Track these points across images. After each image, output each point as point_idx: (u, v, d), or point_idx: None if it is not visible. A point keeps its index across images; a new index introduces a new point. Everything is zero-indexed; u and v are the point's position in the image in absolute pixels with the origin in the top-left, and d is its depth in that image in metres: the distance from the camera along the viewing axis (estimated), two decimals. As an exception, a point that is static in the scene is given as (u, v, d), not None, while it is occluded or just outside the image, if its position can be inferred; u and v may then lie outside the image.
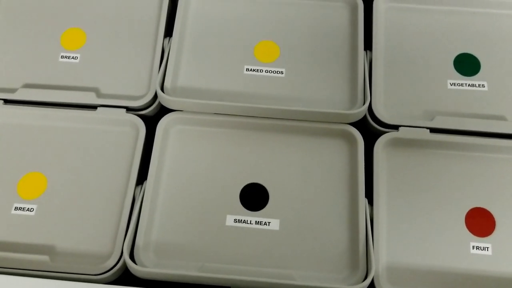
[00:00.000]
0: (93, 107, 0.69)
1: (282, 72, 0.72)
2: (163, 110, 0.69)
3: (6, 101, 0.70)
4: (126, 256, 0.58)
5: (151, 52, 0.73)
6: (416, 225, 0.64)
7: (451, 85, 0.72)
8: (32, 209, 0.64)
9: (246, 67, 0.72)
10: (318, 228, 0.64)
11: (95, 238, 0.62)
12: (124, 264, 0.59)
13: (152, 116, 0.71)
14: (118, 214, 0.63)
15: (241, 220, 0.64)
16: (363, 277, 0.61)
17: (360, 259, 0.61)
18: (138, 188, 0.64)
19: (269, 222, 0.64)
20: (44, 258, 0.60)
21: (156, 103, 0.70)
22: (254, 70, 0.72)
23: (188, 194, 0.65)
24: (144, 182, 0.64)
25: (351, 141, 0.68)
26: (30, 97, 0.69)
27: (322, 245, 0.63)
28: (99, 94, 0.70)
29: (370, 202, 0.65)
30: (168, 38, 0.73)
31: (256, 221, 0.64)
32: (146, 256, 0.61)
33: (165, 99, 0.68)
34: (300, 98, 0.71)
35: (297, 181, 0.67)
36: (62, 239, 0.62)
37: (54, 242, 0.62)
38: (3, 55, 0.73)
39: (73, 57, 0.73)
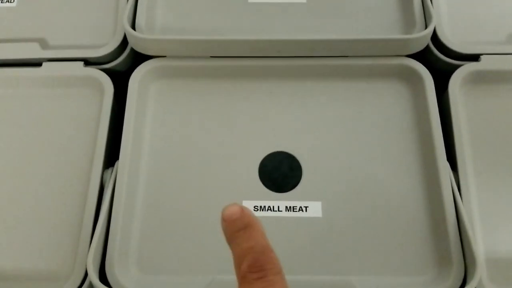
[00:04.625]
0: (37, 63, 0.52)
1: None
2: (137, 60, 0.52)
3: None
4: (92, 275, 0.40)
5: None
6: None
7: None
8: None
9: None
10: (380, 211, 0.44)
11: (45, 251, 0.44)
12: (91, 286, 0.41)
13: (123, 70, 0.53)
14: (79, 212, 0.45)
15: (264, 207, 0.45)
16: (461, 278, 0.41)
17: (453, 250, 0.41)
18: (108, 172, 0.47)
19: (306, 207, 0.45)
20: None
21: (127, 50, 0.53)
22: None
23: (182, 177, 0.46)
24: (116, 163, 0.46)
25: (414, 80, 0.49)
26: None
27: (389, 236, 0.43)
28: (44, 45, 0.53)
29: (453, 167, 0.45)
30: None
31: (286, 207, 0.45)
32: (125, 271, 0.42)
33: (139, 40, 0.49)
34: (330, 30, 0.52)
35: (341, 144, 0.47)
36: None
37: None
38: None
39: (8, 0, 0.56)
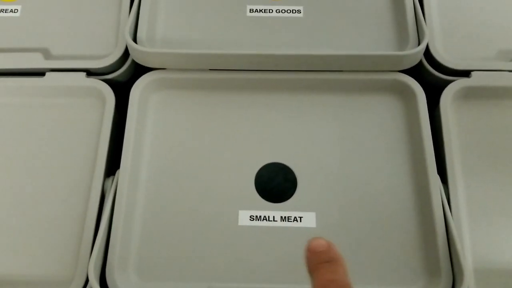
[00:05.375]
0: (41, 73, 0.52)
1: (299, 11, 0.55)
2: (138, 72, 0.52)
3: None
4: (93, 281, 0.40)
5: (117, -6, 0.55)
6: (507, 208, 0.46)
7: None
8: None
9: (249, 7, 0.55)
10: (372, 222, 0.45)
11: (47, 257, 0.44)
12: None
13: (124, 81, 0.53)
14: (81, 219, 0.45)
15: (260, 216, 0.46)
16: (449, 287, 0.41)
17: (442, 261, 0.42)
18: (109, 180, 0.47)
19: (300, 217, 0.45)
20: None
21: (128, 62, 0.53)
22: (260, 10, 0.55)
23: (180, 186, 0.47)
24: (117, 172, 0.47)
25: (407, 95, 0.50)
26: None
27: (381, 246, 0.44)
28: (47, 55, 0.53)
29: (443, 180, 0.46)
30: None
31: (281, 217, 0.46)
32: (124, 278, 0.43)
33: (140, 52, 0.50)
34: (326, 44, 0.53)
35: (335, 156, 0.48)
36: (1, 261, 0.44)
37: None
38: None
39: (11, 10, 0.56)
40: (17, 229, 0.45)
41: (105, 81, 0.51)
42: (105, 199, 0.46)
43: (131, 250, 0.44)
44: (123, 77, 0.53)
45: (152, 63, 0.50)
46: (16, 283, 0.43)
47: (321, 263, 0.29)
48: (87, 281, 0.42)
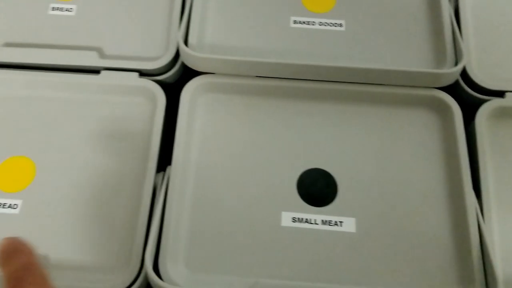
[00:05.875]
0: (95, 71, 0.54)
1: (341, 25, 0.56)
2: (188, 74, 0.54)
3: (-18, 64, 0.53)
4: (149, 268, 0.42)
5: (170, -1, 0.58)
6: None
7: None
8: (15, 206, 0.48)
9: (293, 19, 0.57)
10: (409, 229, 0.47)
11: (103, 245, 0.46)
12: (145, 280, 0.44)
13: (174, 82, 0.56)
14: (135, 211, 0.47)
15: (302, 219, 0.48)
16: (480, 295, 0.44)
17: (475, 269, 0.45)
18: (159, 176, 0.49)
19: (341, 222, 0.48)
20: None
21: (179, 64, 0.55)
22: (303, 22, 0.57)
23: (228, 185, 0.49)
24: (167, 168, 0.49)
25: (444, 111, 0.52)
26: (12, 58, 0.54)
27: (417, 252, 0.47)
28: (102, 55, 0.55)
29: (476, 194, 0.48)
30: (191, -20, 0.57)
31: (322, 221, 0.48)
32: (175, 270, 0.45)
33: (191, 57, 0.52)
34: (366, 58, 0.55)
35: (373, 166, 0.50)
36: (57, 247, 0.46)
37: (46, 251, 0.46)
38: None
39: (67, 9, 0.58)
40: (78, 220, 0.47)
41: (156, 81, 0.53)
42: (157, 194, 0.47)
43: (180, 243, 0.46)
44: (171, 79, 0.55)
45: (202, 68, 0.52)
46: (77, 268, 0.45)
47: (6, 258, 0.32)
48: (140, 269, 0.44)
